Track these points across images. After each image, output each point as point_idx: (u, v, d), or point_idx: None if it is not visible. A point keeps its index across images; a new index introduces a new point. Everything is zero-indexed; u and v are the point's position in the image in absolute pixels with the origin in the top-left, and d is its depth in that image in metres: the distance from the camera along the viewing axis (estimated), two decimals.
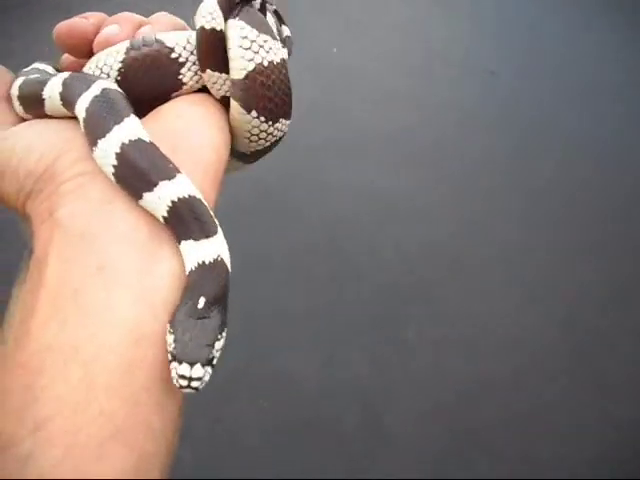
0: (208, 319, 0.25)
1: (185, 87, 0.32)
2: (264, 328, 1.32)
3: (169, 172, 0.27)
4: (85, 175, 0.27)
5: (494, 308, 1.43)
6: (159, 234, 0.26)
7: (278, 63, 0.30)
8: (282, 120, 0.32)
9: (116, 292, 0.24)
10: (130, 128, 0.27)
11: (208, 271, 0.26)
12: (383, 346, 1.34)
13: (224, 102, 0.32)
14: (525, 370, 1.35)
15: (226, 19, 0.31)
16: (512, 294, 1.47)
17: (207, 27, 0.30)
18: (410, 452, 1.20)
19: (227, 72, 0.31)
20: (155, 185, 0.26)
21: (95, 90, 0.28)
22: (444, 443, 1.22)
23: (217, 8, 0.30)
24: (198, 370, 0.24)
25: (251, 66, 0.30)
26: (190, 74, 0.32)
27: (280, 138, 0.34)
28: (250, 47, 0.30)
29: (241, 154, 0.34)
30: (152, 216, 0.27)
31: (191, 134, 0.29)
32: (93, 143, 0.27)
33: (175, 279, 0.26)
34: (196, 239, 0.26)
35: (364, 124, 1.79)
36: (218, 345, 0.26)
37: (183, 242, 0.27)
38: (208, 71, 0.31)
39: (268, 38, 0.30)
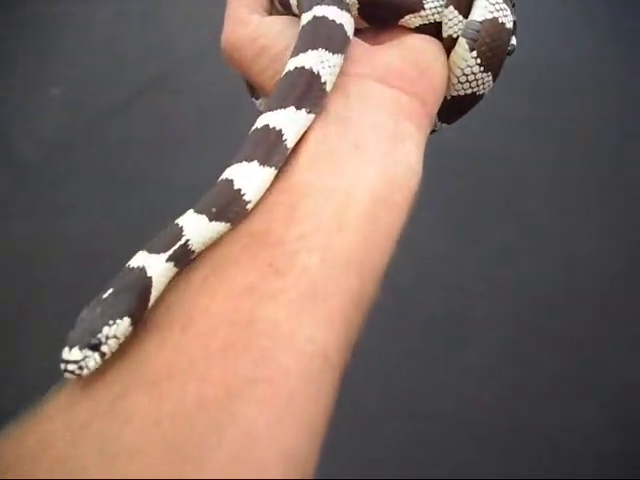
0: (109, 309, 0.25)
1: (421, 13, 0.35)
2: None
3: None
4: (348, 75, 0.31)
5: None
6: (402, 128, 0.29)
7: (507, 29, 0.34)
8: (490, 75, 0.35)
9: (366, 166, 0.28)
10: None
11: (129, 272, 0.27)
12: None
13: (445, 43, 0.35)
14: None
15: None
16: None
17: None
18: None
19: (464, 16, 0.34)
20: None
21: (317, 12, 0.30)
22: None
23: None
24: (75, 353, 0.24)
25: (489, 16, 0.34)
26: (433, 4, 0.35)
27: (479, 96, 0.36)
28: (495, 4, 0.34)
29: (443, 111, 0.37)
30: (396, 113, 0.29)
31: (431, 68, 0.32)
32: None
33: (408, 169, 0.29)
34: None
35: None
36: (107, 331, 0.24)
37: None
38: (451, 7, 0.34)
39: (509, 9, 0.35)
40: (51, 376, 0.25)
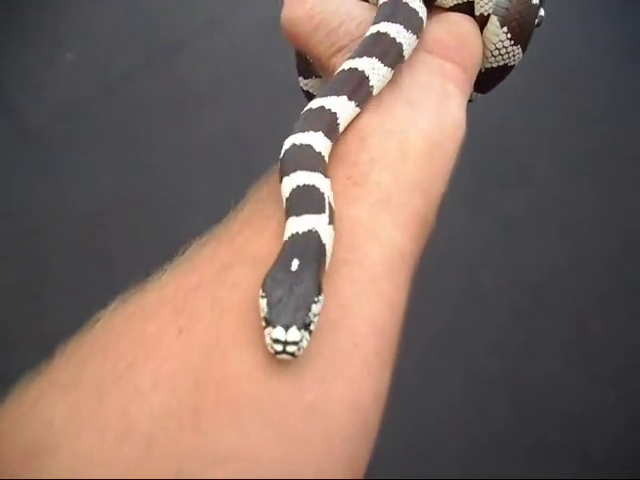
0: (302, 283, 0.25)
1: None
2: None
3: None
4: None
5: None
6: (448, 89, 0.33)
7: (534, 4, 0.38)
8: (519, 47, 0.38)
9: (419, 116, 0.32)
10: None
11: (301, 239, 0.26)
12: None
13: (478, 20, 0.38)
14: None
15: None
16: None
17: None
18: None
19: None
20: None
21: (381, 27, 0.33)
22: None
23: None
24: (294, 334, 0.23)
25: None
26: None
27: (510, 67, 0.40)
28: None
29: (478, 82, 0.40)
30: (442, 76, 0.33)
31: (469, 40, 0.36)
32: None
33: (455, 122, 0.33)
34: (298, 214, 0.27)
35: None
36: (314, 309, 0.24)
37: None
38: None
39: None
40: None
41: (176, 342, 0.24)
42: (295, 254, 0.25)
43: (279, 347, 0.23)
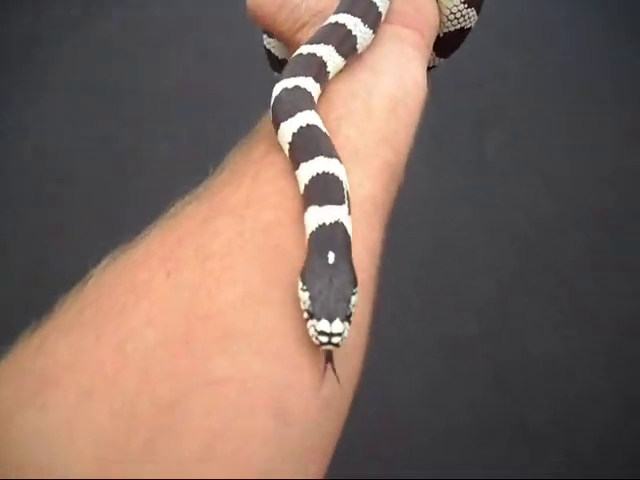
0: (340, 275, 0.26)
1: None
2: None
3: None
4: None
5: None
6: (407, 52, 0.36)
7: None
8: (474, 10, 0.41)
9: (381, 79, 0.34)
10: None
11: (330, 230, 0.27)
12: None
13: None
14: None
15: None
16: None
17: None
18: None
19: None
20: None
21: None
22: None
23: None
24: (338, 325, 0.25)
25: None
26: None
27: (467, 30, 0.42)
28: None
29: (439, 47, 0.42)
30: (401, 42, 0.36)
31: (424, 6, 0.38)
32: None
33: (415, 82, 0.35)
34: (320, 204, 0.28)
35: None
36: (353, 300, 0.26)
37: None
38: None
39: None
40: None
41: (165, 284, 0.26)
42: (329, 247, 0.27)
43: (324, 339, 0.25)
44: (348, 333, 0.25)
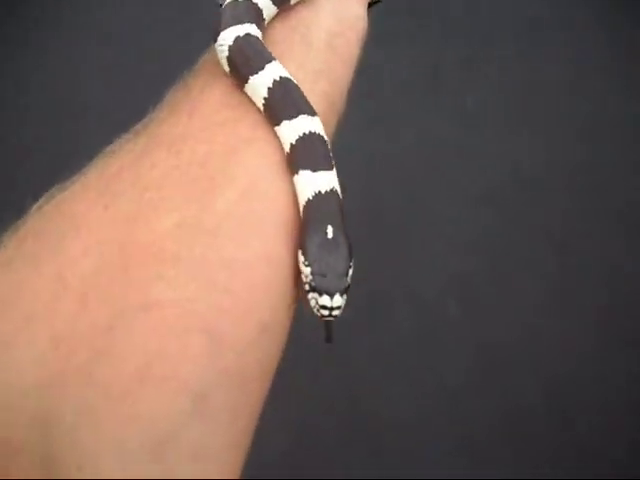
0: (339, 249, 0.28)
1: None
2: None
3: None
4: None
5: None
6: None
7: None
8: None
9: (320, 14, 0.35)
10: None
11: (326, 200, 0.29)
12: None
13: None
14: None
15: None
16: None
17: None
18: None
19: None
20: None
21: None
22: None
23: None
24: (338, 300, 0.27)
25: None
26: None
27: None
28: None
29: None
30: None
31: None
32: None
33: (355, 15, 0.36)
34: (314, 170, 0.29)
35: None
36: (350, 273, 0.28)
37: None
38: None
39: None
40: None
41: (103, 216, 0.27)
42: (327, 219, 0.28)
43: (326, 312, 0.27)
44: (344, 303, 0.28)
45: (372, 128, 1.35)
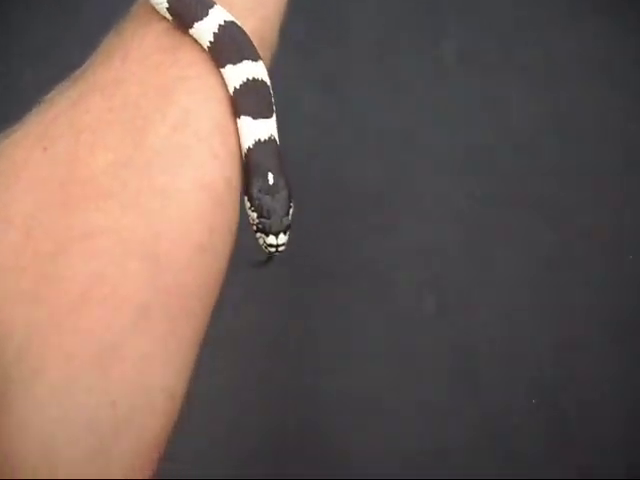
0: (279, 193, 0.32)
1: None
2: None
3: None
4: None
5: None
6: None
7: None
8: None
9: None
10: None
11: (265, 148, 0.32)
12: None
13: None
14: None
15: None
16: None
17: None
18: None
19: None
20: None
21: None
22: None
23: None
24: (282, 238, 0.32)
25: None
26: None
27: None
28: None
29: None
30: None
31: None
32: None
33: None
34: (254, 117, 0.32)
35: None
36: (290, 212, 0.32)
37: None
38: None
39: None
40: None
41: (42, 158, 0.29)
42: (267, 167, 0.32)
43: (273, 249, 0.32)
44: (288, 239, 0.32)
45: (333, 90, 1.17)
